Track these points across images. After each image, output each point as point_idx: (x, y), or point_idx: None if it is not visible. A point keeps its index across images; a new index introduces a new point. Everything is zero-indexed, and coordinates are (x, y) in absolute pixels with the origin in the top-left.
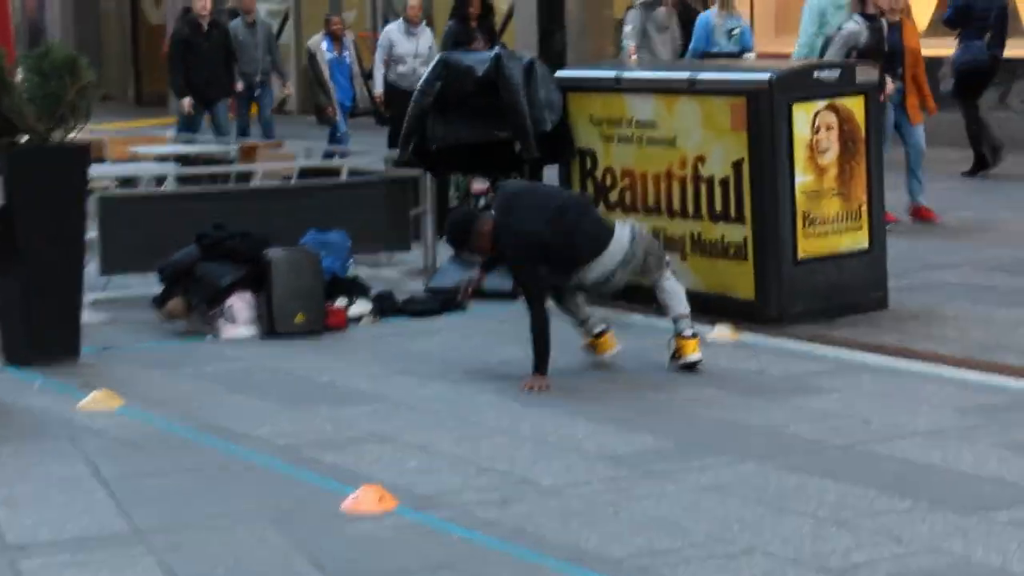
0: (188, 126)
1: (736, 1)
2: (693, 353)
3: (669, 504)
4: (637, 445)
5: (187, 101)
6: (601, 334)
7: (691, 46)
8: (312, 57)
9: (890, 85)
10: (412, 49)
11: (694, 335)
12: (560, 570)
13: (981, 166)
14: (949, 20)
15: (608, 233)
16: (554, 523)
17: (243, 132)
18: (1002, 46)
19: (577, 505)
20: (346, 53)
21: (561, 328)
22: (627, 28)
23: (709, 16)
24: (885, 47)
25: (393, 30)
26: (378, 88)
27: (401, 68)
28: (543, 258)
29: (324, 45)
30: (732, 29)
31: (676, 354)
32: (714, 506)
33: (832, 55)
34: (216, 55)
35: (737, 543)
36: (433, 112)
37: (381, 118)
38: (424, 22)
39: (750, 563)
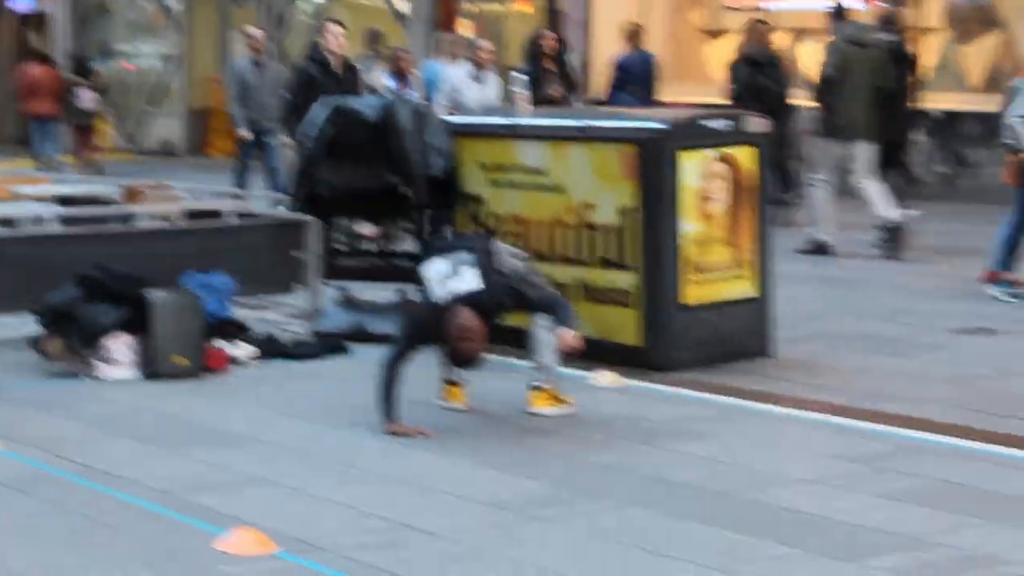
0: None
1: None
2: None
3: (554, 550)
4: (521, 490)
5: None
6: (456, 383)
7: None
8: (372, 92)
9: None
10: (480, 97)
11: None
12: None
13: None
14: None
15: None
16: (434, 569)
17: (241, 184)
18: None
19: (458, 551)
20: (410, 91)
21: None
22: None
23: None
24: None
25: (460, 75)
26: None
27: None
28: None
29: (386, 80)
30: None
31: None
32: (599, 552)
33: None
34: None
35: None
36: (324, 157)
37: None
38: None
39: None
